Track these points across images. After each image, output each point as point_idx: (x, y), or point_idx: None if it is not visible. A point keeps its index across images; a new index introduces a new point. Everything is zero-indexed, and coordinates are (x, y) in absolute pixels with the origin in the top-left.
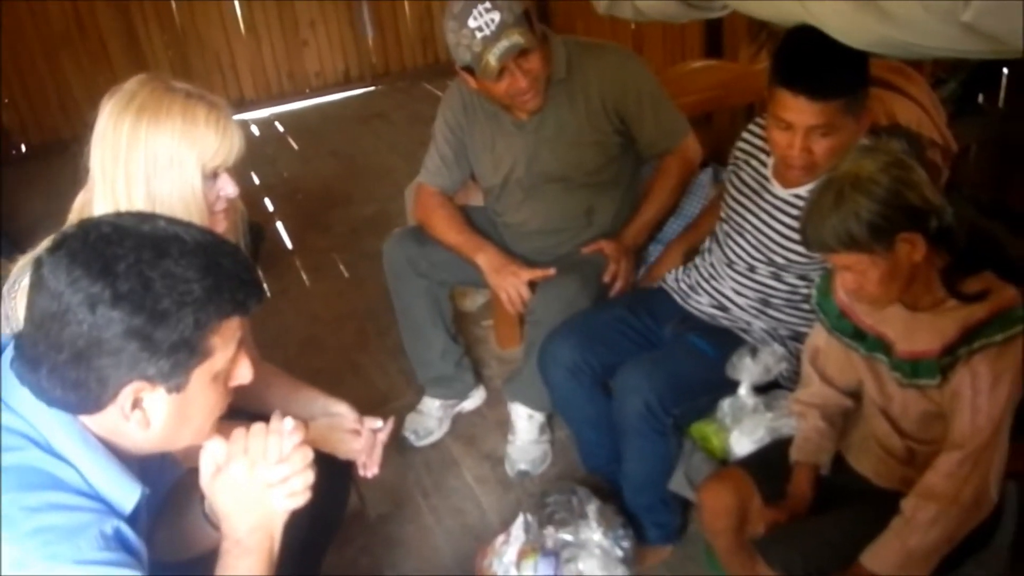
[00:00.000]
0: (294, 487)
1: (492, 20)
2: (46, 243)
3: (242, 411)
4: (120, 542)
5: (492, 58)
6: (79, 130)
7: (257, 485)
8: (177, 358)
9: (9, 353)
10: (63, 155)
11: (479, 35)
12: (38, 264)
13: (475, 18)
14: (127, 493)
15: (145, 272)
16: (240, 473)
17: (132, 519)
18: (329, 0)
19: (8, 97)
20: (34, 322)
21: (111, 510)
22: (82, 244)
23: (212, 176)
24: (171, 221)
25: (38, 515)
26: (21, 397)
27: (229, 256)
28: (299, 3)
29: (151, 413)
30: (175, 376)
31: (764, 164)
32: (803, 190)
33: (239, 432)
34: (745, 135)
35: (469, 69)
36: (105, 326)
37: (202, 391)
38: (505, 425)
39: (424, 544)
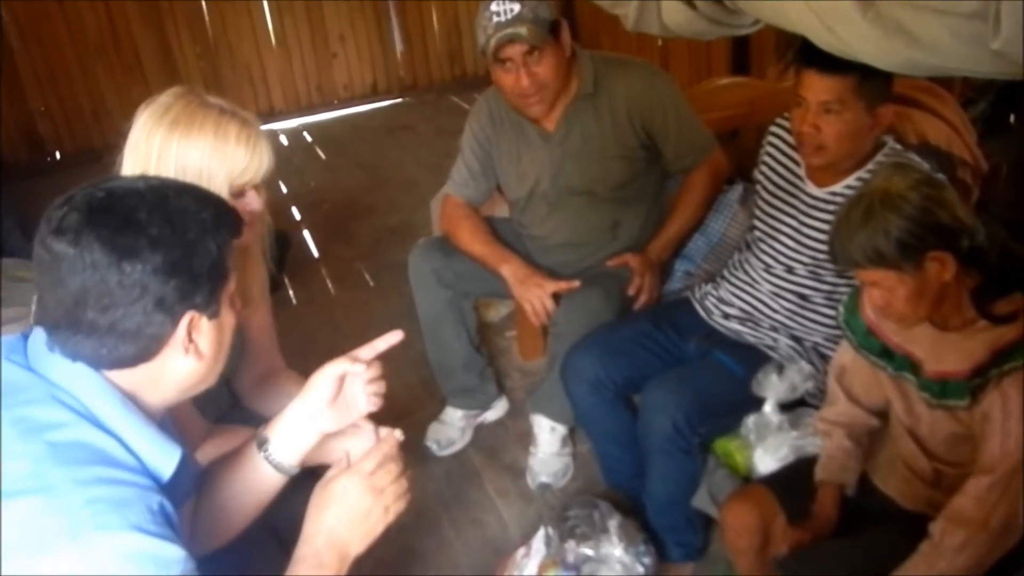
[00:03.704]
0: (396, 493)
1: (511, 10)
2: (44, 230)
3: (250, 418)
4: (165, 518)
5: (493, 41)
6: (112, 140)
7: (366, 510)
8: (213, 282)
9: (39, 336)
10: (96, 164)
11: (494, 19)
12: (47, 249)
13: (498, 3)
14: (168, 456)
15: (164, 214)
16: (354, 493)
17: (170, 491)
18: (359, 14)
19: (44, 106)
20: (72, 300)
21: (154, 483)
22: (90, 213)
23: (239, 192)
24: (137, 177)
25: (89, 488)
26: (60, 369)
27: (200, 190)
28: (329, 17)
29: (200, 343)
30: (213, 301)
31: (798, 164)
32: (838, 187)
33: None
34: (771, 139)
35: (484, 54)
36: (151, 270)
37: (227, 314)
38: (527, 437)
39: (443, 556)
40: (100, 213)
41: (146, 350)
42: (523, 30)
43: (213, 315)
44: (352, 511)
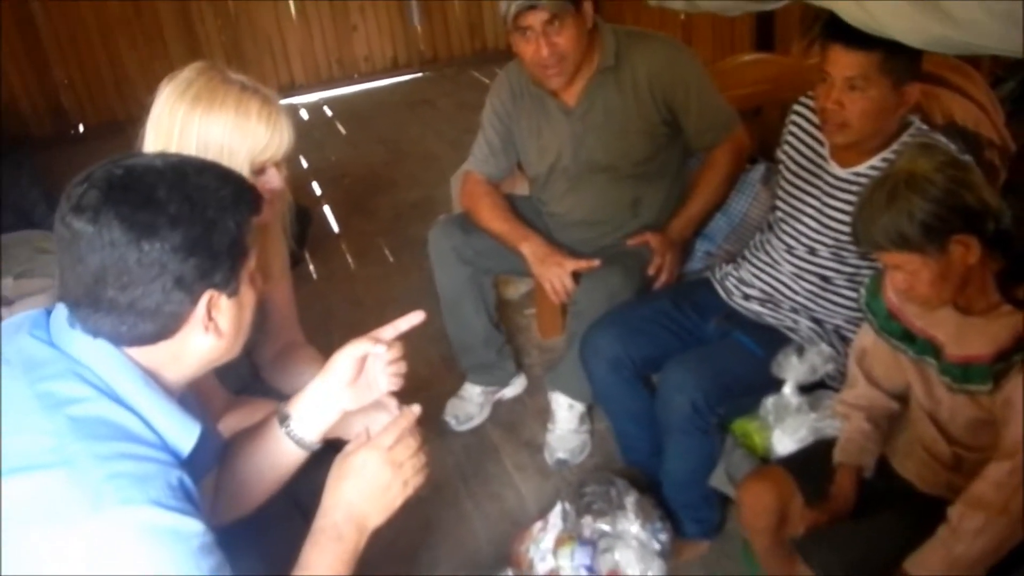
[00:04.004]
0: (415, 467)
1: None
2: (64, 207)
3: (271, 390)
4: (184, 493)
5: (514, 7)
6: (134, 111)
7: (386, 484)
8: (232, 260)
9: (61, 313)
10: (119, 136)
11: None
12: (67, 226)
13: None
14: (187, 433)
15: (183, 192)
16: (373, 466)
17: (188, 466)
18: None
19: (67, 78)
20: (91, 278)
21: (173, 458)
22: (109, 191)
23: (260, 170)
24: (156, 155)
25: (110, 463)
26: (81, 346)
27: (219, 167)
28: None
29: (219, 321)
30: (232, 279)
31: (822, 144)
32: (863, 167)
33: (384, 428)
34: (794, 117)
35: (505, 21)
36: (170, 249)
37: (247, 292)
38: (545, 414)
39: (461, 527)
40: (119, 191)
41: (165, 328)
42: None
43: (232, 293)
44: (371, 484)
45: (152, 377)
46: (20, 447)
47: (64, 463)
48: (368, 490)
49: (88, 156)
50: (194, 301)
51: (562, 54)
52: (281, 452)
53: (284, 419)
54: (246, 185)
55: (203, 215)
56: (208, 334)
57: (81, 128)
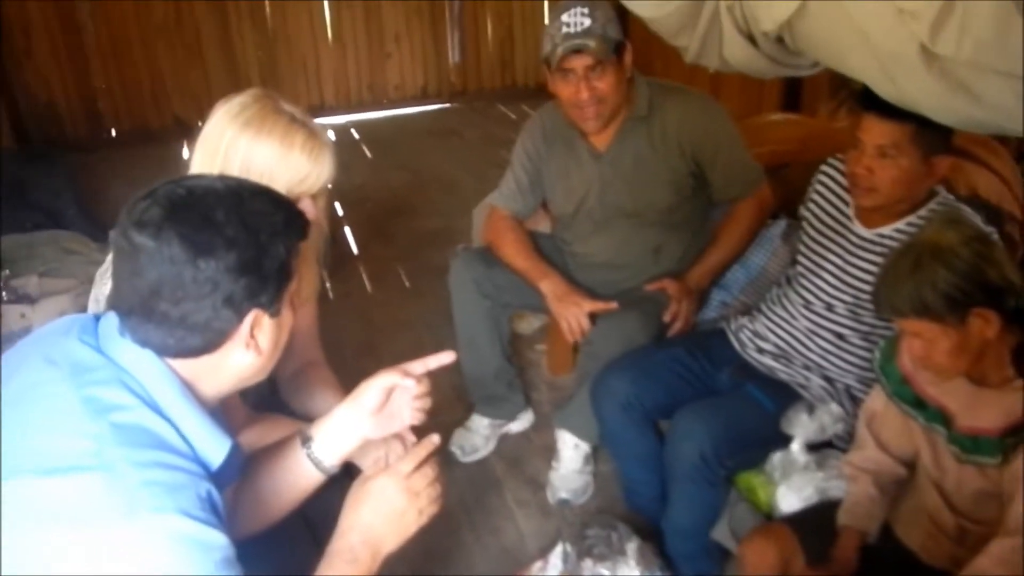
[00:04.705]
0: (431, 496)
1: (581, 23)
2: (125, 221)
3: (284, 407)
4: (211, 505)
5: (560, 49)
6: (167, 121)
7: (401, 510)
8: (279, 282)
9: (111, 321)
10: (150, 143)
11: (563, 30)
12: (128, 240)
13: (570, 15)
14: (218, 446)
15: (240, 215)
16: (390, 492)
17: (216, 477)
18: (415, 15)
19: (105, 83)
20: (147, 290)
21: (203, 470)
22: (171, 209)
23: (296, 199)
24: (216, 177)
25: (146, 470)
26: (128, 354)
27: (273, 193)
28: (387, 16)
29: (260, 339)
30: (277, 300)
31: (847, 203)
32: (887, 229)
33: (403, 457)
34: (822, 177)
35: (547, 62)
36: (224, 268)
37: (287, 314)
38: (550, 451)
39: (460, 558)
40: (181, 210)
41: (211, 343)
42: (592, 43)
43: (275, 314)
44: (388, 510)
45: (190, 389)
46: (60, 448)
47: (103, 467)
48: (385, 515)
49: (119, 161)
50: (240, 319)
51: (600, 97)
52: (300, 473)
53: (306, 440)
54: (297, 212)
55: (256, 238)
56: (248, 351)
57: (114, 133)
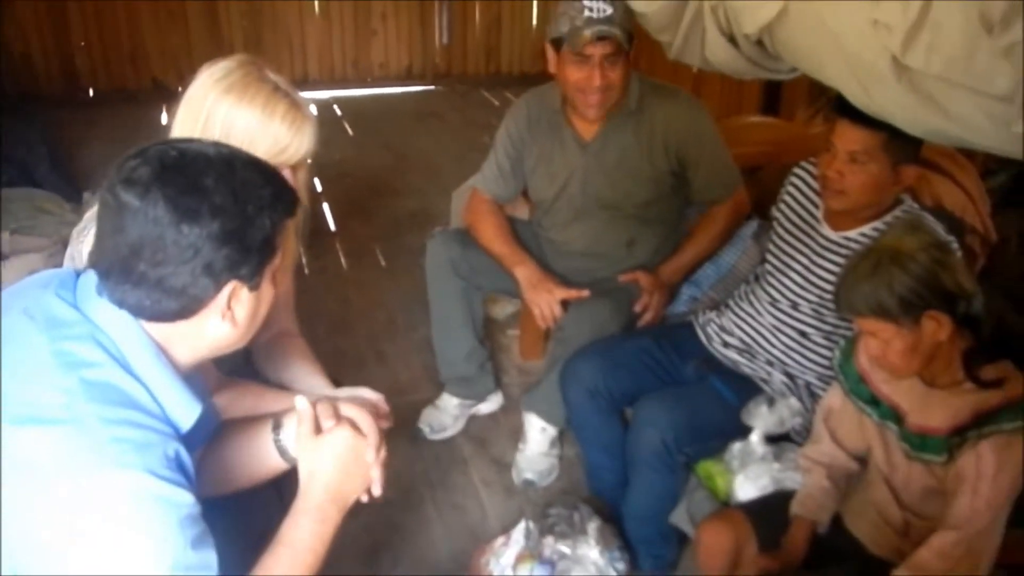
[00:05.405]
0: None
1: (604, 11)
2: (114, 177)
3: (257, 375)
4: (179, 465)
5: (589, 32)
6: (146, 83)
7: (360, 459)
8: (261, 256)
9: (90, 278)
10: (127, 104)
11: (587, 13)
12: (114, 196)
13: (592, 0)
14: (188, 410)
15: (229, 184)
16: (349, 443)
17: (185, 441)
18: None
19: (84, 41)
20: (128, 250)
21: (173, 431)
22: (161, 170)
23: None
24: (210, 143)
25: (114, 427)
26: (104, 313)
27: (266, 166)
28: None
29: (237, 311)
30: (257, 274)
31: (817, 206)
32: (853, 233)
33: (348, 406)
34: (794, 179)
35: (557, 42)
36: (207, 236)
37: (267, 288)
38: (517, 433)
39: (423, 534)
40: (171, 172)
41: (186, 309)
42: (617, 31)
43: (254, 287)
44: (348, 459)
45: (163, 353)
46: (31, 398)
47: (73, 421)
48: (344, 465)
49: (95, 121)
50: (218, 288)
51: (610, 86)
52: (266, 455)
53: (277, 427)
54: (287, 188)
55: (243, 209)
56: (224, 322)
57: (91, 92)
